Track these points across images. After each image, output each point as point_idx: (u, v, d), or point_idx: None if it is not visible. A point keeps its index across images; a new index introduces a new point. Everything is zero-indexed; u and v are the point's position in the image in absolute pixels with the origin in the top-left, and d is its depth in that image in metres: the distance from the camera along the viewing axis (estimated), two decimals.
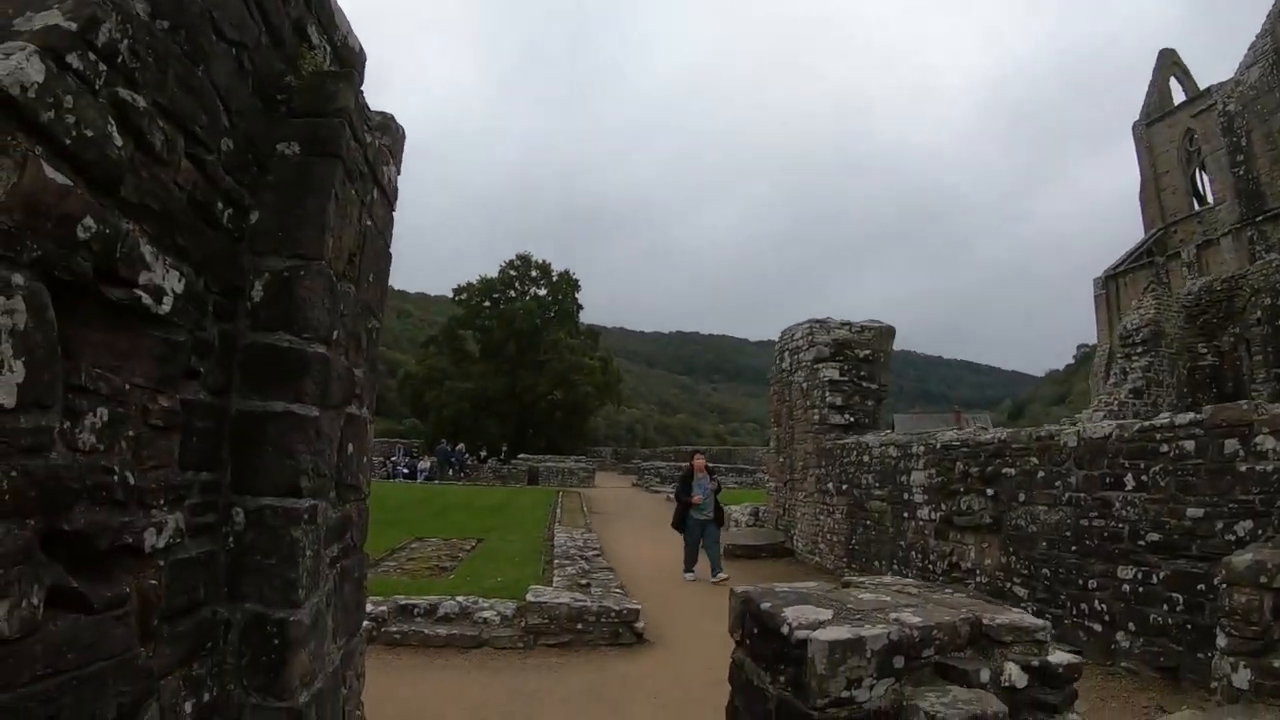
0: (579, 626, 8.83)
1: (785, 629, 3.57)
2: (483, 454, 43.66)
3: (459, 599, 9.35)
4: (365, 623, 8.47)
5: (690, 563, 13.64)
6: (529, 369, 65.18)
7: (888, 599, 4.12)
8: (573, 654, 8.59)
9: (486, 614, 9.03)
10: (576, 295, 70.14)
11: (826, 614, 3.67)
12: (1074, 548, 8.62)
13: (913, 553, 11.88)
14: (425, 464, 40.33)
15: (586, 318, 73.56)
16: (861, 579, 5.05)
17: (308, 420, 3.22)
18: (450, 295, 72.92)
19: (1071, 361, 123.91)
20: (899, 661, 3.46)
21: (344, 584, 3.88)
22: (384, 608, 8.98)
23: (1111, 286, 42.47)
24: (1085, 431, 8.71)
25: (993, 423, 37.38)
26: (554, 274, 69.74)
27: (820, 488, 15.39)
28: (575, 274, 70.44)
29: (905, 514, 12.14)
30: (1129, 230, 53.82)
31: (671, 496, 18.35)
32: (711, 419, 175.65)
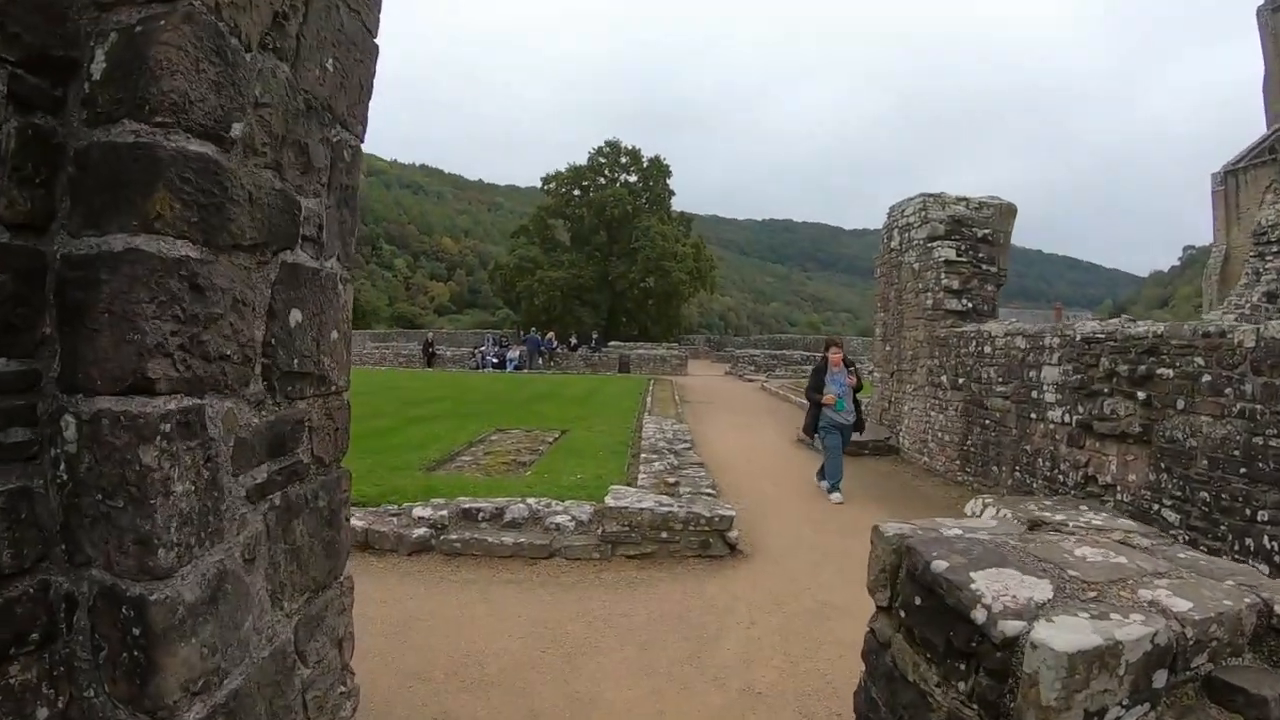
0: (663, 535, 7.68)
1: (979, 613, 2.28)
2: (573, 342, 42.81)
3: (530, 501, 8.28)
4: (415, 532, 7.52)
5: (833, 476, 11.30)
6: (620, 256, 64.41)
7: (1121, 559, 2.70)
8: (655, 567, 7.47)
9: (559, 519, 7.93)
10: (668, 181, 68.78)
11: (1044, 589, 2.33)
12: (1243, 470, 7.01)
13: (1039, 460, 10.36)
14: (514, 353, 39.69)
15: (678, 205, 71.96)
16: (1057, 514, 3.62)
17: (166, 264, 1.96)
18: (540, 185, 71.59)
19: (1177, 263, 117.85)
20: (1160, 679, 2.14)
21: (292, 523, 2.66)
22: (444, 512, 8.01)
23: (1231, 183, 39.35)
24: (1267, 331, 7.01)
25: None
26: (644, 160, 68.29)
27: (932, 380, 13.88)
28: (666, 159, 68.44)
29: (1032, 415, 10.57)
30: (1247, 125, 49.69)
31: (769, 386, 17.01)
32: (805, 308, 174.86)
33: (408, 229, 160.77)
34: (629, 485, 9.42)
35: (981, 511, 5.21)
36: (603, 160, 68.31)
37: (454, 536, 7.68)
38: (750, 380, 33.74)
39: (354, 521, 6.95)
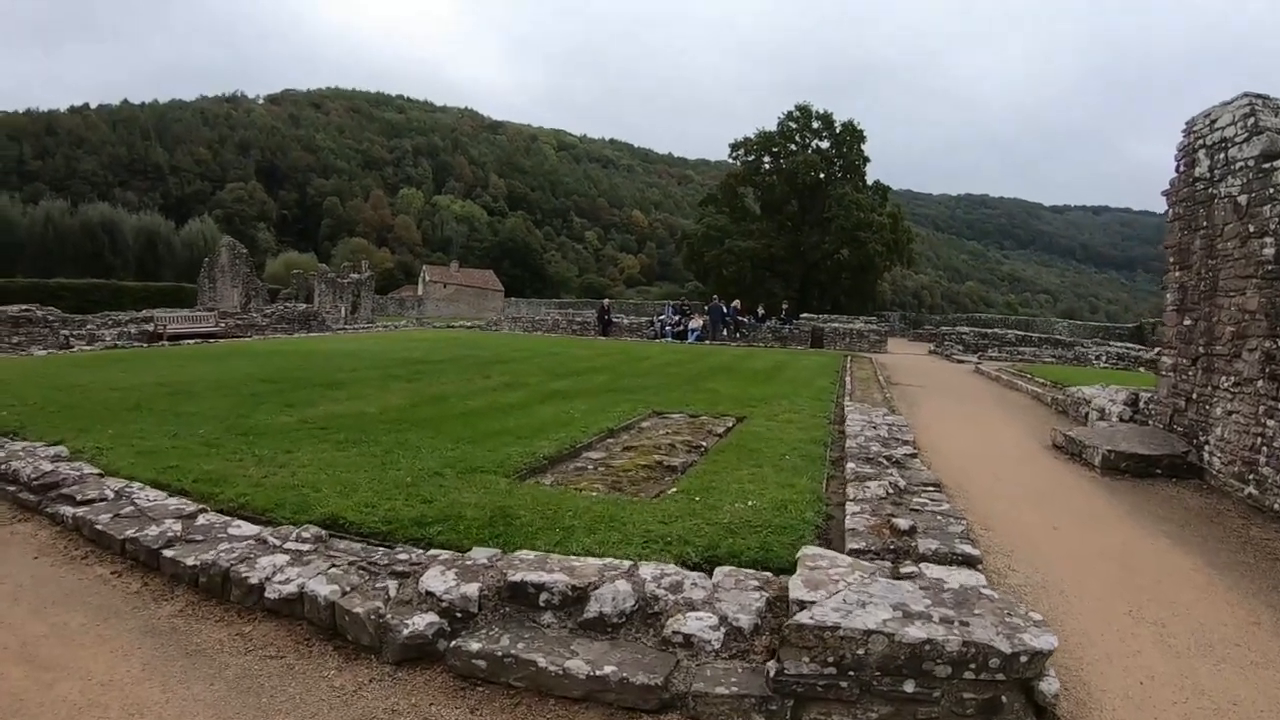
0: (908, 688, 3.52)
1: None
2: (760, 313, 38.79)
3: (643, 576, 4.40)
4: (414, 622, 3.67)
5: None
6: (813, 226, 60.51)
7: None
8: None
9: (694, 625, 4.00)
10: (862, 147, 63.89)
11: None
12: None
13: None
14: (696, 323, 36.14)
15: (869, 177, 66.44)
16: None
17: None
18: (728, 156, 67.92)
19: None
20: None
21: None
22: (477, 586, 4.30)
23: None
24: None
25: None
26: (836, 125, 63.70)
27: (1271, 372, 8.94)
28: (860, 124, 63.22)
29: None
30: None
31: (985, 369, 12.40)
32: (1002, 288, 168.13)
33: (598, 202, 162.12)
34: (828, 545, 5.49)
35: None
36: (793, 125, 64.02)
37: (482, 645, 3.91)
38: (960, 361, 29.34)
39: (319, 585, 4.52)
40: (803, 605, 3.82)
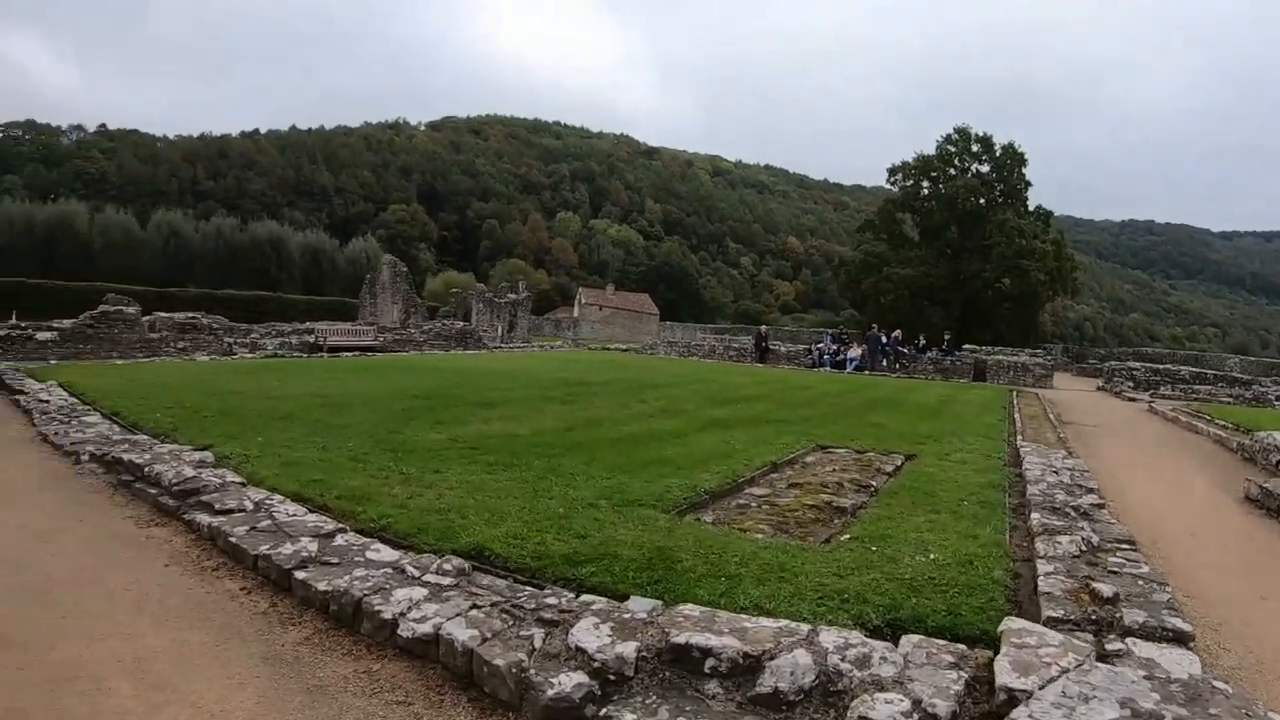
0: None
1: None
2: (920, 343, 37.36)
3: (826, 642, 3.78)
4: (560, 683, 3.09)
5: None
6: (973, 253, 58.54)
7: None
8: None
9: (881, 711, 3.29)
10: (1023, 171, 61.48)
11: None
12: None
13: None
14: (855, 352, 35.06)
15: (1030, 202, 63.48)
16: None
17: None
18: (885, 182, 66.86)
19: None
20: None
21: None
22: (634, 645, 3.76)
23: None
24: None
25: None
26: (996, 148, 61.40)
27: None
28: (1021, 147, 60.80)
29: None
30: None
31: (1159, 408, 11.11)
32: (1167, 320, 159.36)
33: (753, 228, 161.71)
34: (1019, 608, 4.91)
35: None
36: (951, 149, 61.94)
37: (638, 716, 3.35)
38: (1131, 399, 27.17)
39: (457, 629, 4.05)
40: (1012, 695, 3.17)
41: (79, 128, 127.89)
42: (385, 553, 5.21)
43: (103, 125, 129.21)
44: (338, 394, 13.26)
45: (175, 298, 42.21)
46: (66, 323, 23.91)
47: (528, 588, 4.70)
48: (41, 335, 22.72)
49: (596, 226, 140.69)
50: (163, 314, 26.00)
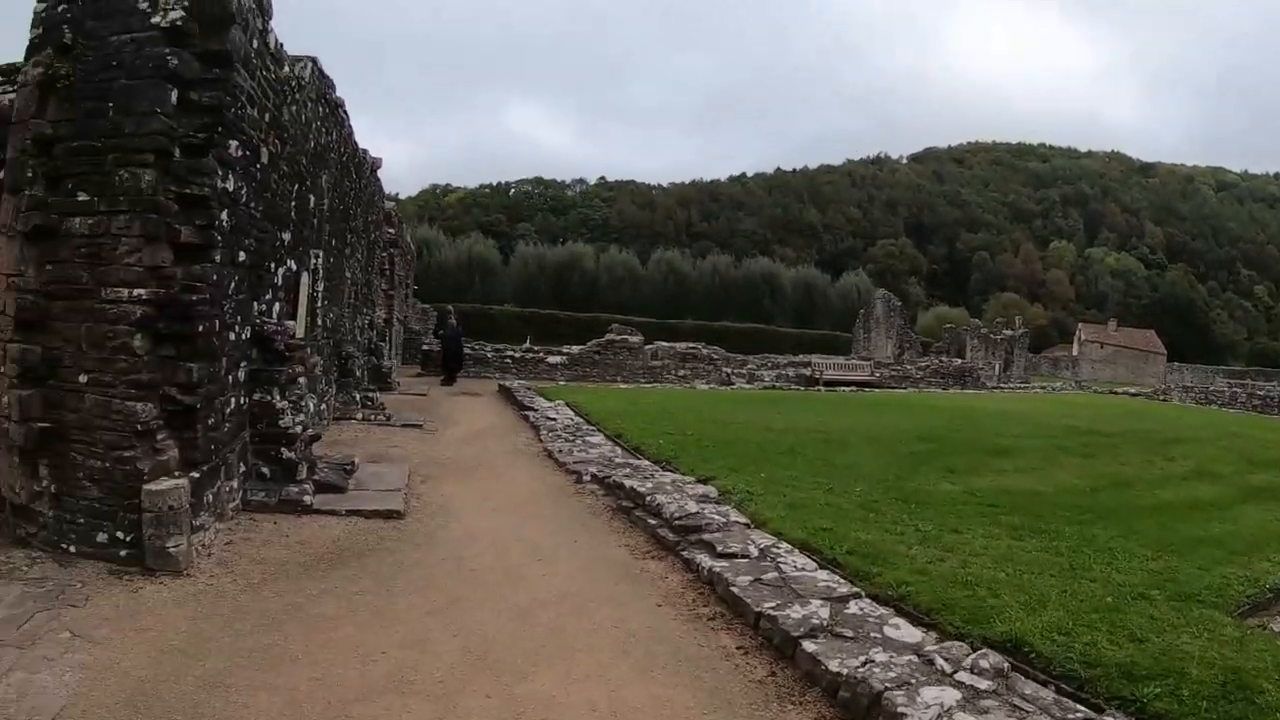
0: None
1: None
2: None
3: None
4: None
5: None
6: None
7: None
8: None
9: None
10: None
11: None
12: None
13: None
14: None
15: None
16: None
17: None
18: None
19: None
20: None
21: None
22: None
23: None
24: None
25: None
26: None
27: None
28: None
29: None
30: None
31: None
32: None
33: (1266, 250, 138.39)
34: None
35: None
36: None
37: None
38: None
39: None
40: None
41: (581, 180, 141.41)
42: (906, 631, 4.52)
43: (602, 178, 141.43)
44: (839, 430, 12.85)
45: (674, 328, 45.17)
46: (575, 348, 26.70)
47: (1079, 707, 3.79)
48: (552, 359, 25.82)
49: (1092, 255, 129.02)
50: (664, 343, 27.83)
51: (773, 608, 4.75)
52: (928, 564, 5.86)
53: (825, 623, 4.53)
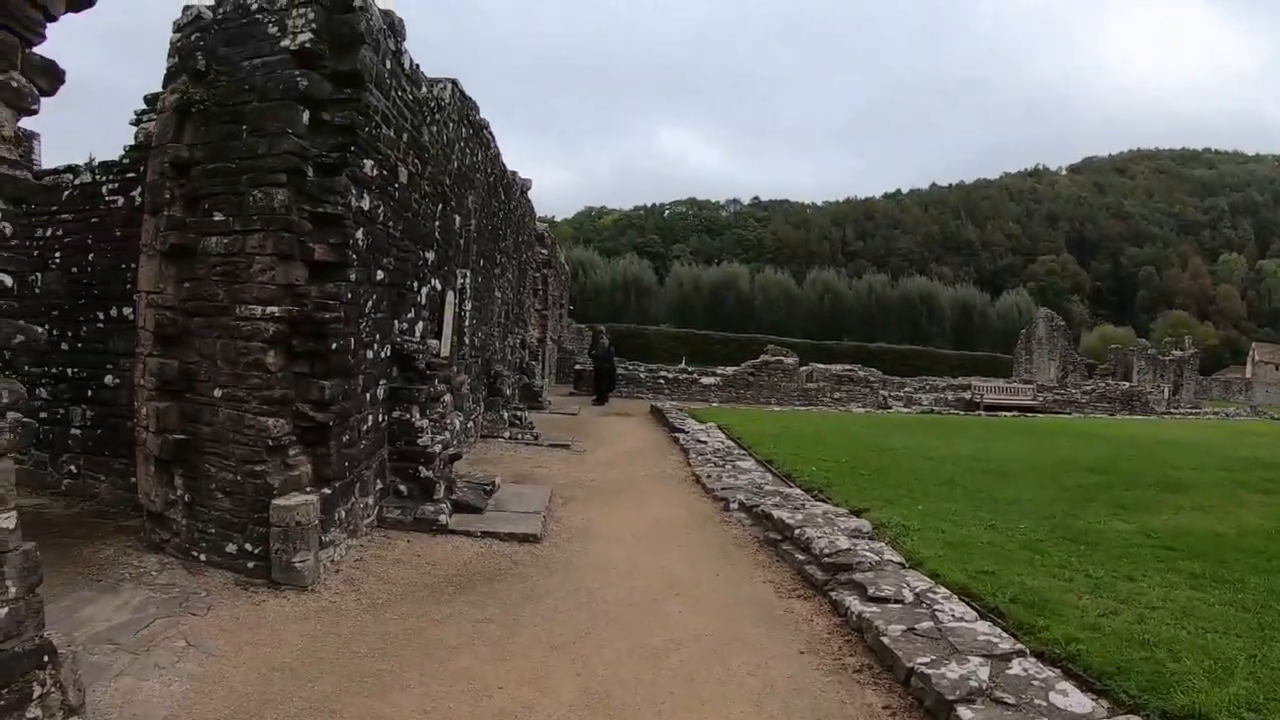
0: None
1: None
2: None
3: None
4: None
5: None
6: None
7: None
8: None
9: None
10: None
11: None
12: None
13: None
14: None
15: None
16: None
17: None
18: None
19: None
20: None
21: None
22: None
23: None
24: None
25: None
26: None
27: None
28: None
29: None
30: None
31: None
32: None
33: None
34: None
35: None
36: None
37: None
38: None
39: None
40: None
41: (735, 201, 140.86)
42: (1075, 699, 3.94)
43: (755, 197, 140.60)
44: (1000, 459, 12.05)
45: (830, 349, 44.40)
46: (729, 369, 26.43)
47: None
48: (706, 380, 25.68)
49: (1265, 268, 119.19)
50: (819, 365, 27.18)
51: (926, 664, 4.26)
52: (1099, 617, 5.14)
53: (984, 685, 4.01)
